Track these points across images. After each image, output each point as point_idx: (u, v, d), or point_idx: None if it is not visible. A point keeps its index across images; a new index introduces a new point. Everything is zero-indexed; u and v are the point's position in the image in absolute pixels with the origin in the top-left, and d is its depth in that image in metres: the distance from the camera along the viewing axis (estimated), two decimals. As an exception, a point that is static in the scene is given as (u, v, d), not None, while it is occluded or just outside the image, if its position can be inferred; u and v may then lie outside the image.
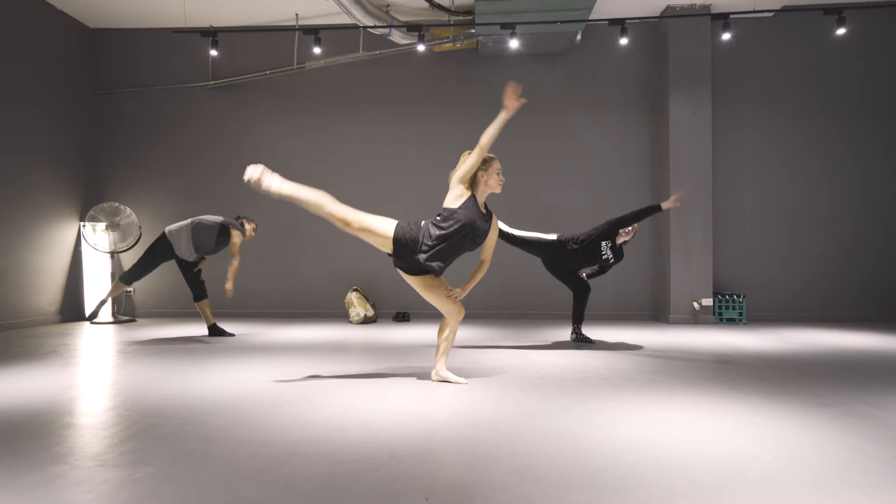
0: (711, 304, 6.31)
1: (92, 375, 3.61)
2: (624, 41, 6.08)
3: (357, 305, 6.37)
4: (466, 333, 5.42)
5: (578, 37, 6.40)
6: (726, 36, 5.88)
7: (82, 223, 6.69)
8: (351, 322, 6.34)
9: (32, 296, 6.17)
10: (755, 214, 6.68)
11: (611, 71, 6.81)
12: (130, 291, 7.07)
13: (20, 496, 1.74)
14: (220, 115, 7.10)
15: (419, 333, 5.49)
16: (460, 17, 6.48)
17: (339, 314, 6.74)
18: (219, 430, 2.41)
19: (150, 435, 2.34)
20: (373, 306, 6.51)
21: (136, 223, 6.63)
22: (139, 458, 2.07)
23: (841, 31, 5.78)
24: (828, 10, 5.72)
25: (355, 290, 6.53)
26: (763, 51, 6.64)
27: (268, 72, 6.92)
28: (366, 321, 6.34)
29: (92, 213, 6.56)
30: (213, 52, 6.28)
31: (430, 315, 6.78)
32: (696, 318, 6.31)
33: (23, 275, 6.04)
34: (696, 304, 6.31)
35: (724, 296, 6.33)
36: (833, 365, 3.86)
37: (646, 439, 2.27)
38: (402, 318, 6.61)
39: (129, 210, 6.64)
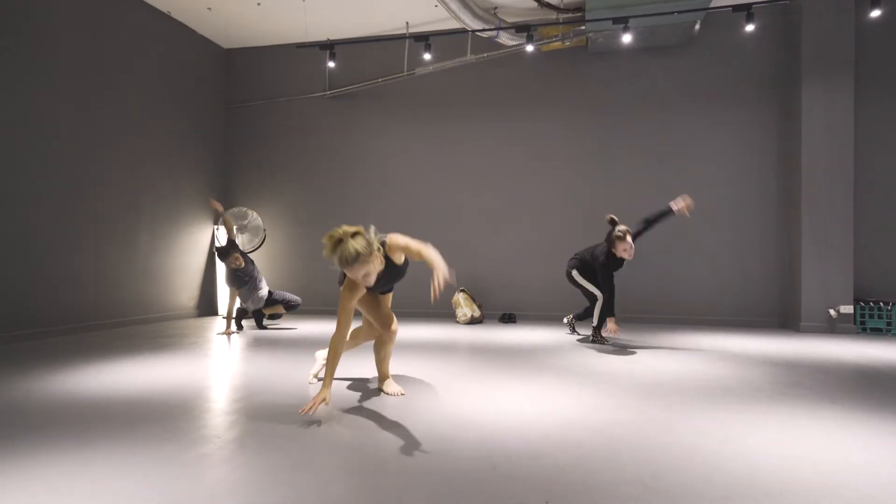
0: (852, 311, 5.70)
1: (227, 365, 3.95)
2: (750, 28, 5.64)
3: (464, 306, 6.45)
4: (571, 336, 5.30)
5: (697, 27, 6.03)
6: (875, 13, 5.24)
7: (215, 226, 7.35)
8: (458, 322, 6.43)
9: (175, 293, 6.86)
10: (906, 213, 5.93)
11: (733, 62, 6.36)
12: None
13: (178, 472, 1.94)
14: (337, 122, 7.50)
15: (525, 335, 5.45)
16: (569, 15, 6.36)
17: (447, 314, 6.85)
18: (342, 422, 2.54)
19: (281, 423, 2.52)
20: (479, 307, 6.56)
21: (261, 226, 7.17)
22: (274, 443, 2.23)
23: None
24: None
25: (462, 290, 6.62)
26: (917, 28, 5.89)
27: (380, 80, 7.20)
28: (472, 322, 6.40)
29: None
30: (331, 64, 6.64)
31: (536, 316, 6.71)
32: (832, 327, 5.73)
33: (167, 274, 6.74)
34: (832, 312, 5.72)
35: (867, 303, 5.69)
36: None
37: (784, 457, 2.09)
38: (508, 319, 6.60)
39: (254, 214, 7.19)
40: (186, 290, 7.07)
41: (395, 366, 3.87)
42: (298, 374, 3.57)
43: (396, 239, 2.68)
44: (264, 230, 7.20)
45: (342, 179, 7.48)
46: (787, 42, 6.18)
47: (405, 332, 5.67)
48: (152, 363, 3.94)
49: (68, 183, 5.42)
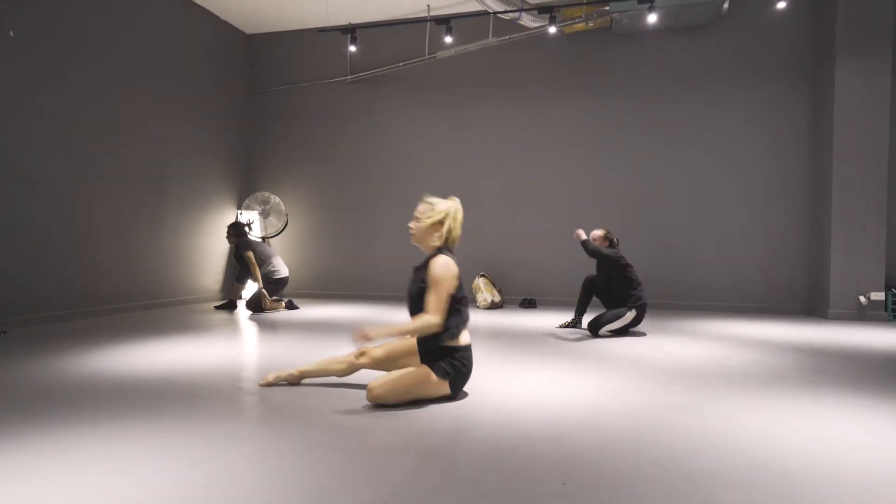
0: (883, 298, 5.55)
1: (251, 347, 4.02)
2: (782, 4, 5.45)
3: (484, 291, 6.45)
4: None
5: (726, 5, 5.86)
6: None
7: (239, 210, 7.44)
8: (478, 307, 6.44)
9: (200, 276, 6.99)
10: (943, 196, 5.74)
11: (763, 40, 6.18)
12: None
13: (205, 448, 2.00)
14: (358, 107, 7.50)
15: (545, 320, 5.44)
16: (593, -5, 6.23)
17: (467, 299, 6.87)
18: (362, 402, 2.56)
19: (304, 403, 2.56)
20: (499, 292, 6.56)
21: (283, 210, 7.24)
22: (297, 422, 2.28)
23: None
24: None
25: (483, 275, 6.62)
26: (958, 4, 5.65)
27: (401, 63, 7.17)
28: (493, 306, 6.40)
29: (247, 201, 7.27)
30: (352, 48, 6.63)
31: (557, 302, 6.69)
32: (862, 314, 5.60)
33: (192, 257, 6.86)
34: (862, 299, 5.59)
35: (899, 290, 5.54)
36: None
37: (807, 443, 2.07)
38: (528, 304, 6.58)
39: (277, 198, 7.27)
40: (211, 273, 7.19)
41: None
42: (313, 358, 3.61)
43: (438, 263, 2.62)
44: (286, 214, 7.27)
45: (363, 164, 7.50)
46: (820, 18, 5.98)
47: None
48: (179, 344, 4.03)
49: (95, 169, 5.53)
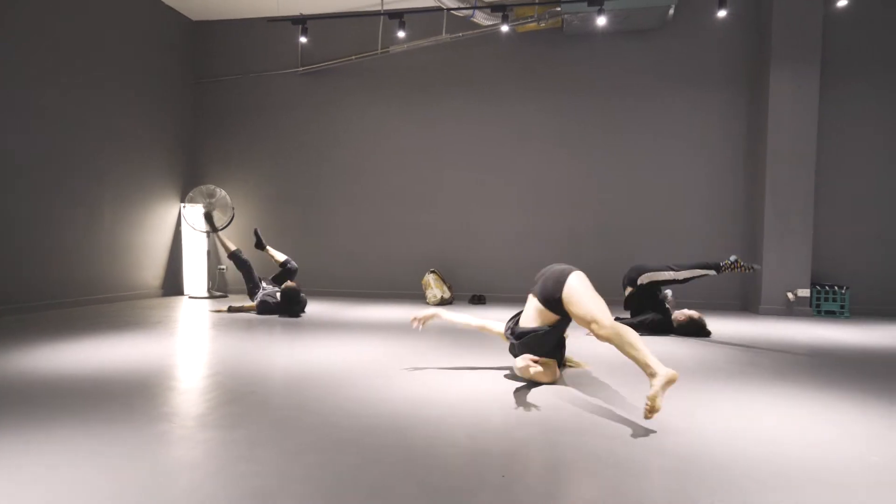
0: (809, 295, 5.89)
1: (191, 345, 3.90)
2: (722, 13, 5.69)
3: (434, 287, 6.47)
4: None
5: (671, 11, 6.06)
6: (842, 2, 5.34)
7: (182, 204, 7.20)
8: (428, 303, 6.45)
9: (139, 271, 6.72)
10: (864, 199, 6.12)
11: (706, 47, 6.43)
12: (223, 269, 7.55)
13: (136, 449, 1.92)
14: (310, 100, 7.37)
15: (494, 316, 5.50)
16: (544, -4, 6.32)
17: (417, 295, 6.87)
18: (306, 400, 2.53)
19: (244, 401, 2.50)
20: (449, 288, 6.59)
21: (229, 205, 7.04)
22: (235, 421, 2.22)
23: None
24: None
25: (433, 271, 6.63)
26: (883, 19, 6.02)
27: (353, 57, 7.08)
28: (442, 303, 6.42)
29: (191, 194, 7.03)
30: (303, 40, 6.50)
31: (506, 298, 6.77)
32: (790, 310, 5.92)
33: (131, 251, 6.59)
34: (790, 295, 5.91)
35: (823, 286, 5.88)
36: (953, 366, 3.51)
37: (734, 432, 2.17)
38: (478, 300, 6.64)
39: (223, 192, 7.05)
40: (151, 268, 6.93)
41: (359, 346, 3.88)
42: (262, 354, 3.54)
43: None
44: (233, 208, 7.07)
45: (315, 157, 7.38)
46: (757, 28, 6.27)
47: (374, 312, 5.67)
48: (114, 342, 3.87)
49: (26, 160, 5.23)
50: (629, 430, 2.18)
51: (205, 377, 2.94)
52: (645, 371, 2.26)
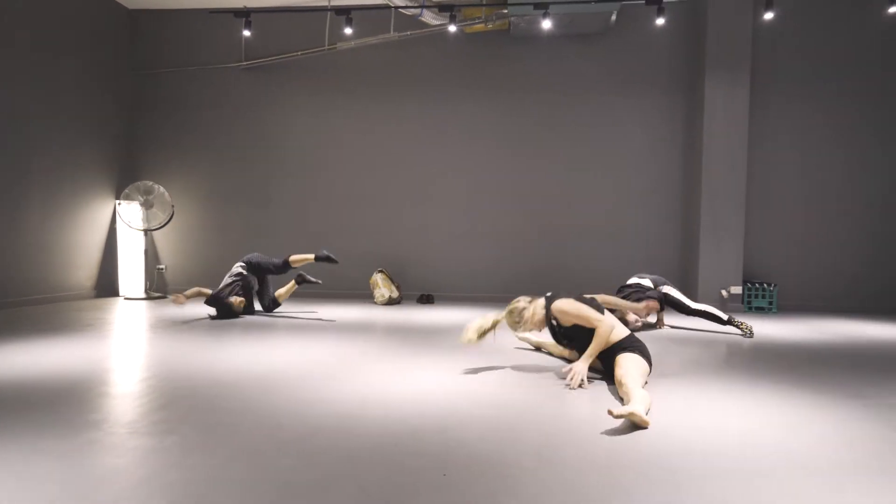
0: (741, 292, 6.19)
1: (125, 348, 3.73)
2: (660, 21, 5.91)
3: (382, 287, 6.43)
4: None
5: (614, 17, 6.23)
6: (769, 15, 5.64)
7: (118, 201, 6.88)
8: (376, 303, 6.41)
9: (71, 271, 6.38)
10: (791, 201, 6.47)
11: (646, 52, 6.65)
12: (162, 268, 7.27)
13: (59, 460, 1.82)
14: (253, 95, 7.18)
15: (443, 315, 5.52)
16: (491, -3, 6.38)
17: (365, 295, 6.81)
18: (246, 403, 2.47)
19: (179, 406, 2.42)
20: (398, 288, 6.56)
21: (168, 202, 6.79)
22: (169, 427, 2.14)
23: (894, 10, 5.49)
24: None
25: (381, 271, 6.58)
26: (807, 32, 6.39)
27: (299, 53, 6.94)
28: (390, 302, 6.39)
29: (127, 191, 6.74)
30: (247, 33, 6.33)
31: (454, 297, 6.81)
32: (724, 307, 6.19)
33: (62, 250, 6.25)
34: (724, 292, 6.19)
35: (754, 284, 6.19)
36: (864, 356, 3.76)
37: (667, 426, 2.25)
38: (426, 300, 6.64)
39: (161, 189, 6.79)
40: (84, 268, 6.59)
41: (305, 347, 3.82)
42: (202, 357, 3.43)
43: (562, 304, 3.10)
44: (172, 206, 6.82)
45: (260, 154, 7.20)
46: (693, 38, 6.53)
47: (321, 313, 5.59)
48: (42, 347, 3.66)
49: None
50: (568, 427, 2.23)
51: (138, 382, 2.82)
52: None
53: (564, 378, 2.91)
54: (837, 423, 2.31)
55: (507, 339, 4.21)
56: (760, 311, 6.14)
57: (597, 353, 2.94)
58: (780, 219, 6.49)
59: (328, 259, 5.30)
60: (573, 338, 3.16)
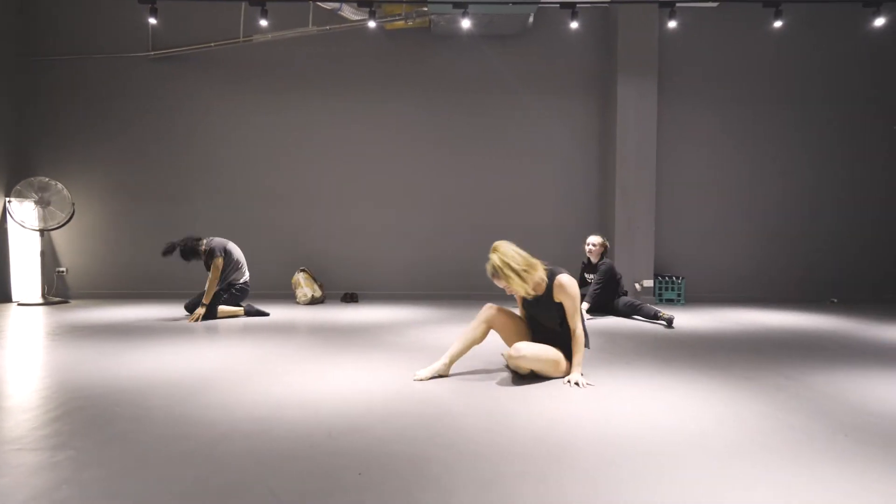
0: (652, 285, 6.53)
1: (18, 358, 3.43)
2: (574, 25, 6.12)
3: (304, 286, 6.27)
4: (413, 314, 5.43)
5: (531, 19, 6.40)
6: (672, 24, 5.99)
7: (7, 199, 6.31)
8: (298, 303, 6.24)
9: (-47, 275, 5.80)
10: (696, 198, 6.91)
11: (562, 55, 6.86)
12: (63, 271, 6.75)
13: (-73, 481, 1.65)
14: (164, 87, 6.78)
15: (366, 314, 5.46)
16: (412, -6, 6.37)
17: (286, 295, 6.61)
18: (151, 411, 2.33)
19: (75, 417, 2.25)
20: (321, 287, 6.42)
21: (68, 199, 6.30)
22: (61, 441, 1.99)
23: (778, 24, 5.97)
24: (766, 3, 5.89)
25: (303, 270, 6.42)
26: (707, 40, 6.83)
27: (213, 44, 6.64)
28: (313, 302, 6.25)
29: (19, 187, 6.20)
30: (153, 21, 5.97)
31: (379, 296, 6.75)
32: (638, 299, 6.50)
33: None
34: (637, 286, 6.51)
35: (664, 277, 6.55)
36: (759, 342, 4.07)
37: (580, 413, 2.34)
38: (350, 298, 6.55)
39: (60, 185, 6.30)
40: (-31, 272, 6.00)
41: (220, 351, 3.66)
42: (103, 365, 3.21)
43: (562, 280, 2.92)
44: (73, 203, 6.34)
45: (171, 149, 6.82)
46: (606, 42, 6.81)
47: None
48: (-88, 359, 3.29)
49: None
50: (485, 418, 2.26)
51: (30, 393, 2.60)
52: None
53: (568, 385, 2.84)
54: (731, 404, 2.48)
55: (429, 335, 4.22)
56: (670, 302, 6.50)
57: (581, 360, 2.91)
58: (687, 215, 6.90)
59: (259, 314, 5.28)
60: (537, 321, 3.04)
